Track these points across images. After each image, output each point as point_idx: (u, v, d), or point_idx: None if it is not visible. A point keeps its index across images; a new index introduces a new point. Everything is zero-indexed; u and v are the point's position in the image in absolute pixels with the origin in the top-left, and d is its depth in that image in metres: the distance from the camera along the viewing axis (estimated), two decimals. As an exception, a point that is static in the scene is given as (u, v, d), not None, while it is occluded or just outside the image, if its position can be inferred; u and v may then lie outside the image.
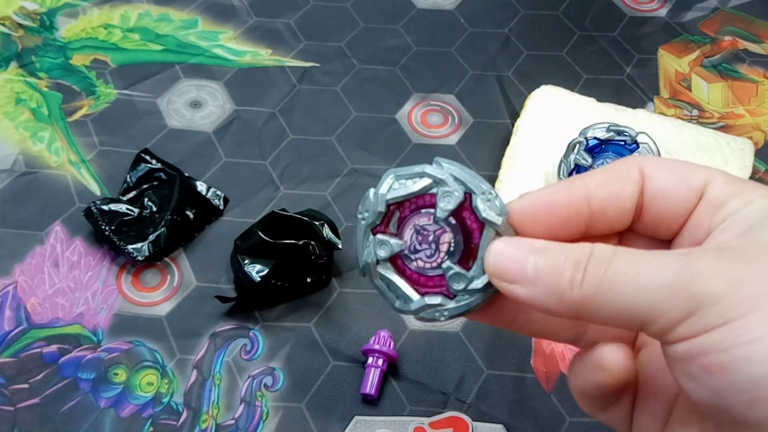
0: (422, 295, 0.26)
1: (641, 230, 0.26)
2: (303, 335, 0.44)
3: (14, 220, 0.48)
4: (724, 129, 0.54)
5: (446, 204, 0.25)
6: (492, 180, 0.50)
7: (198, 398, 0.41)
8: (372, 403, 0.41)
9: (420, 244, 0.26)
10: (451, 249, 0.26)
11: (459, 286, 0.25)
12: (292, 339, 0.43)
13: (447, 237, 0.26)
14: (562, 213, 0.25)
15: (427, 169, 0.25)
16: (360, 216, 0.26)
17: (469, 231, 0.25)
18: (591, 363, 0.25)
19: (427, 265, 0.26)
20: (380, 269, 0.26)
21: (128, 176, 0.49)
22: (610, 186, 0.26)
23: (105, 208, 0.47)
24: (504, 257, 0.24)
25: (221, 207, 0.49)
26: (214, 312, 0.44)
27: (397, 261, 0.26)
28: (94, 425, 0.40)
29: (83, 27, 0.60)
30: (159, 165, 0.50)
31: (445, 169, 0.25)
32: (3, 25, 0.60)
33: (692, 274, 0.22)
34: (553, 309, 0.23)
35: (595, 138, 0.46)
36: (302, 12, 0.63)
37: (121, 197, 0.48)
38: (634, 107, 0.54)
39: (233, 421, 0.40)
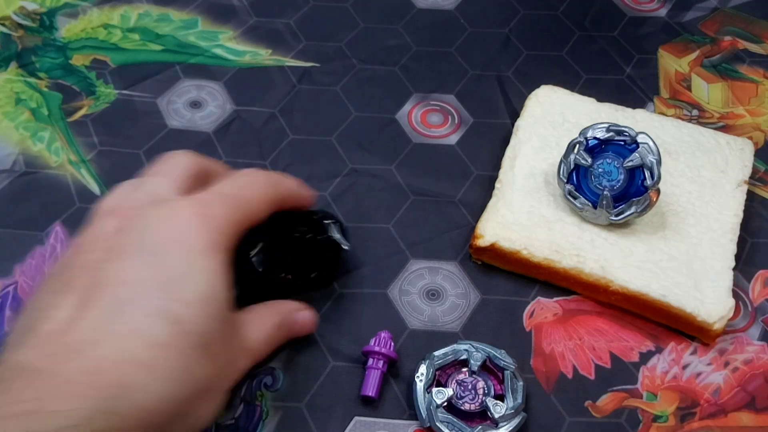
0: (472, 428, 0.38)
1: None
2: (303, 335, 0.44)
3: (14, 220, 0.48)
4: (724, 129, 0.54)
5: (476, 361, 0.40)
6: (492, 180, 0.50)
7: (198, 398, 0.41)
8: (372, 404, 0.41)
9: (463, 392, 0.39)
10: (486, 391, 0.40)
11: (499, 413, 0.38)
12: (292, 339, 0.43)
13: (481, 384, 0.40)
14: None
15: (455, 346, 0.41)
16: (418, 379, 0.39)
17: (493, 378, 0.40)
18: None
19: (472, 407, 0.39)
20: (440, 413, 0.38)
21: None
22: None
23: None
24: None
25: None
26: (214, 312, 0.44)
27: (449, 407, 0.39)
28: (94, 425, 0.40)
29: (83, 27, 0.60)
30: None
31: (467, 344, 0.41)
32: (3, 25, 0.60)
33: None
34: None
35: (595, 138, 0.46)
36: (302, 12, 0.63)
37: None
38: (634, 107, 0.54)
39: (233, 421, 0.40)
